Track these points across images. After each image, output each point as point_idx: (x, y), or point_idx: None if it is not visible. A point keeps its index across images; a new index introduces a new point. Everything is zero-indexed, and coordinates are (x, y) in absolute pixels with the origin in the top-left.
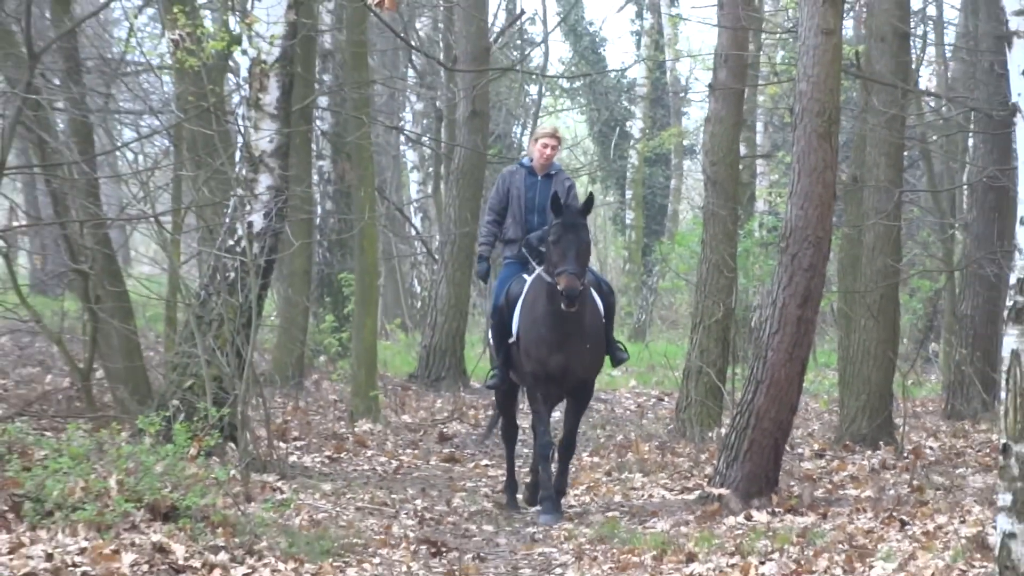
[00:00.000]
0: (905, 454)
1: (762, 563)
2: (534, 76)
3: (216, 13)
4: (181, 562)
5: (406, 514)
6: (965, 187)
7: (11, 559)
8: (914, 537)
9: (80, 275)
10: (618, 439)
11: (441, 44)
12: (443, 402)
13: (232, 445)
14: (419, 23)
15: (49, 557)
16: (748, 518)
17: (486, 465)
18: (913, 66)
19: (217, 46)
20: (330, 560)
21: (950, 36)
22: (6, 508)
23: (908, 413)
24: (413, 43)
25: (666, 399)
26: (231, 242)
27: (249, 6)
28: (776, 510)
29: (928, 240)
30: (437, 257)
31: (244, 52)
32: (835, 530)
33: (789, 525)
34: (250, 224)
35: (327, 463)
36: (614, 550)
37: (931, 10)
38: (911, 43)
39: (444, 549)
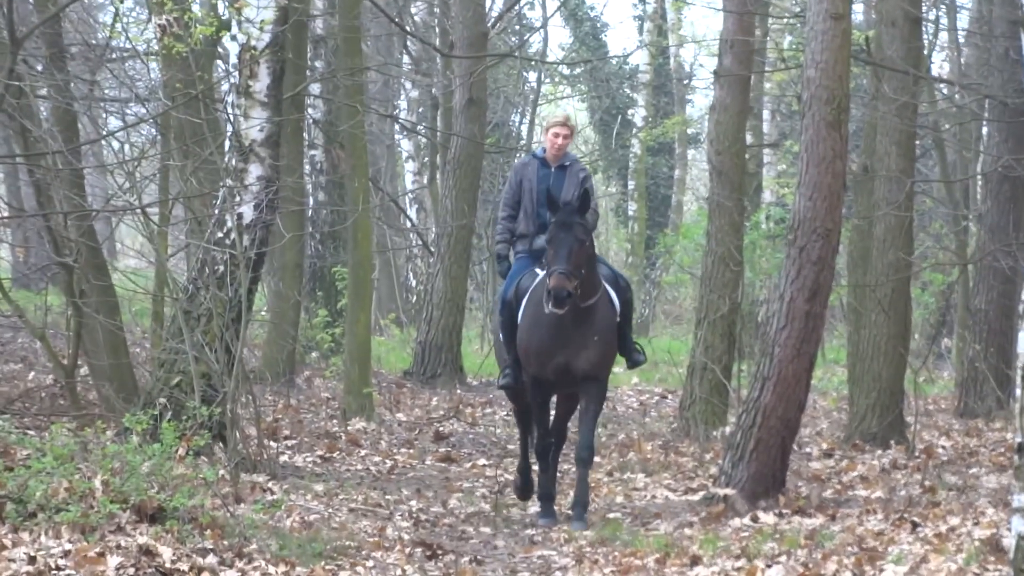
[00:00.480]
0: (917, 453)
1: (769, 566)
2: (533, 63)
3: None
4: (168, 565)
5: (401, 516)
6: (979, 177)
7: None
8: (926, 539)
9: (64, 268)
10: (620, 438)
11: (437, 29)
12: (439, 400)
13: (221, 444)
14: (414, 8)
15: (32, 560)
16: (754, 519)
17: (483, 465)
18: (925, 52)
19: (206, 31)
20: (322, 563)
21: (963, 21)
22: None
23: (920, 411)
24: (408, 28)
25: (670, 397)
26: (220, 234)
27: None
28: (783, 511)
29: (941, 232)
30: (433, 250)
31: (233, 38)
32: (844, 532)
33: (797, 527)
34: (240, 216)
35: (319, 463)
36: (616, 553)
37: None
38: (923, 28)
39: (440, 552)
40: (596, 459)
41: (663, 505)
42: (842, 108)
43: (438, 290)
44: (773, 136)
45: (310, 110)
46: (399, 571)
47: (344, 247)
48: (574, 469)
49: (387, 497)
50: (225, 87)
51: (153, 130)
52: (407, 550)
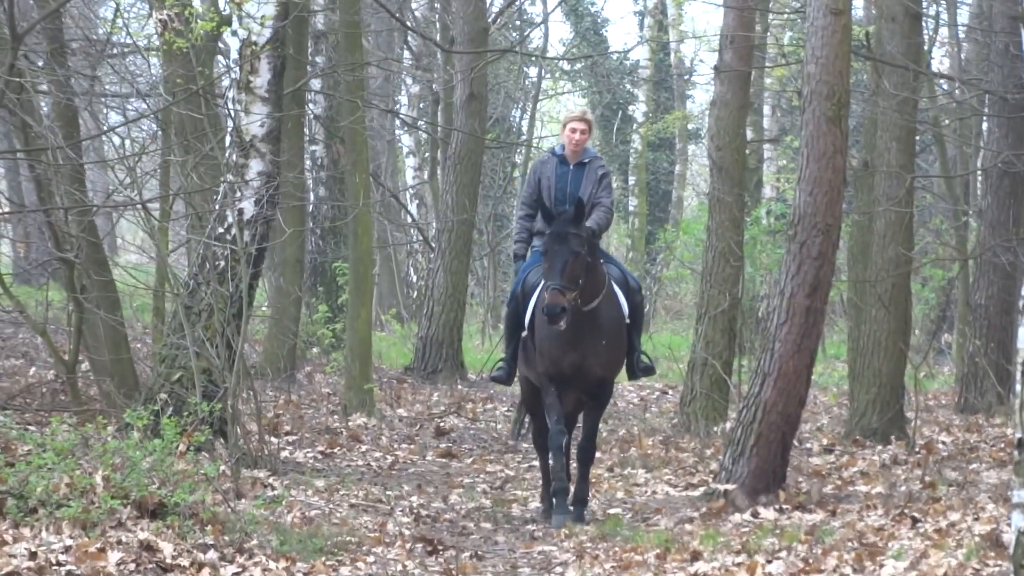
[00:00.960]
0: (917, 449)
1: (769, 561)
2: (534, 58)
3: None
4: (169, 561)
5: (401, 511)
6: (979, 172)
7: None
8: (926, 535)
9: (65, 264)
10: (620, 433)
11: (438, 25)
12: (440, 395)
13: (222, 440)
14: (415, 3)
15: (33, 555)
16: (755, 515)
17: (485, 460)
18: (925, 47)
19: (206, 27)
20: (323, 559)
21: (963, 16)
22: None
23: (920, 407)
24: (409, 24)
25: (670, 392)
26: (221, 230)
27: None
28: (783, 507)
29: (941, 227)
30: (434, 245)
31: (234, 33)
32: (844, 527)
33: (797, 522)
34: (240, 211)
35: (320, 458)
36: (616, 548)
37: None
38: (923, 23)
39: (441, 547)
40: (596, 454)
41: (663, 501)
42: (842, 104)
43: (439, 285)
44: (773, 132)
45: (311, 106)
46: (400, 567)
47: (345, 243)
48: (574, 464)
49: (388, 493)
50: (226, 83)
51: (154, 126)
52: (408, 546)
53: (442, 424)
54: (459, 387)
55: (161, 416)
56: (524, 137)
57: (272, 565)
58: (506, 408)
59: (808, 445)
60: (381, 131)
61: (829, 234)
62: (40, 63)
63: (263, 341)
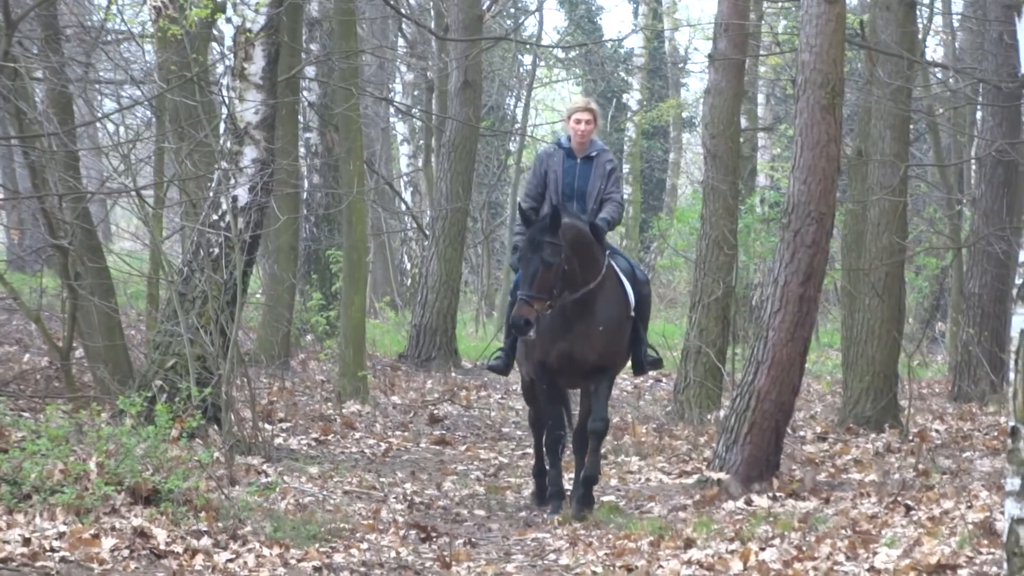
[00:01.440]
0: (910, 437)
1: (762, 549)
2: (528, 46)
3: None
4: (163, 547)
5: (395, 498)
6: (973, 161)
7: None
8: (919, 523)
9: (59, 251)
10: (615, 421)
11: (432, 12)
12: (434, 383)
13: (216, 427)
14: None
15: (26, 542)
16: (748, 503)
17: (478, 447)
18: (919, 36)
19: (200, 14)
20: (316, 545)
21: (958, 5)
22: None
23: (914, 395)
24: (403, 11)
25: (664, 380)
26: (215, 217)
27: None
28: (777, 495)
29: (935, 216)
30: (428, 233)
31: (228, 20)
32: (838, 515)
33: (790, 510)
34: (235, 198)
35: (314, 445)
36: (610, 535)
37: None
38: (917, 12)
39: (434, 534)
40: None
41: (657, 488)
42: (836, 92)
43: (433, 273)
44: (768, 120)
45: (305, 93)
46: (393, 553)
47: (339, 230)
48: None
49: (381, 480)
50: (220, 69)
51: (148, 112)
52: (401, 532)
53: (436, 411)
54: (453, 375)
55: (155, 403)
56: (518, 125)
57: (266, 552)
58: (500, 395)
59: (802, 433)
60: (375, 119)
61: (823, 222)
62: (35, 50)
63: (257, 328)
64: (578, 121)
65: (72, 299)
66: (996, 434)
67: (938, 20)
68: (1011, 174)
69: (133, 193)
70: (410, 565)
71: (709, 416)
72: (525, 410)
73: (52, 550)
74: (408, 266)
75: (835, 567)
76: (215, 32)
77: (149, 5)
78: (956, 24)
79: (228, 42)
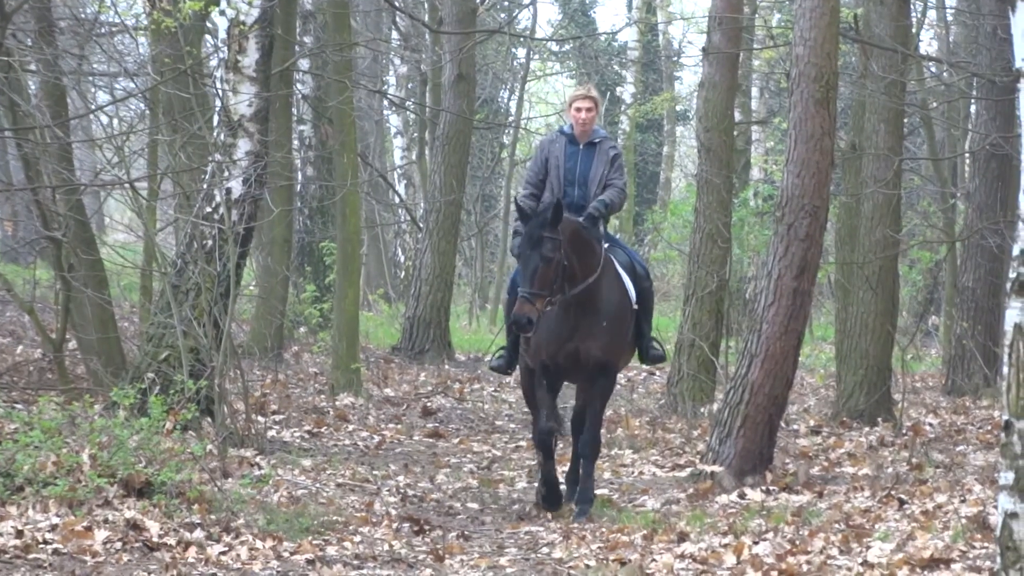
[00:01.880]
0: (904, 431)
1: (756, 543)
2: (522, 39)
3: None
4: (155, 539)
5: (388, 491)
6: (967, 155)
7: None
8: (913, 516)
9: (53, 243)
10: (608, 414)
11: (426, 5)
12: (427, 375)
13: (209, 419)
14: None
15: (19, 534)
16: (741, 496)
17: (471, 440)
18: (913, 30)
19: (194, 6)
20: (309, 538)
21: None
22: None
23: (907, 388)
24: (397, 4)
25: (657, 373)
26: (209, 209)
27: None
28: (770, 488)
29: (929, 210)
30: (421, 225)
31: (222, 13)
32: (831, 509)
33: (784, 504)
34: (228, 190)
35: (307, 438)
36: (603, 529)
37: None
38: (911, 6)
39: (427, 527)
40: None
41: (650, 481)
42: (830, 86)
43: (426, 265)
44: (761, 113)
45: (299, 85)
46: (386, 546)
47: (332, 222)
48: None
49: (375, 472)
50: (214, 62)
51: (142, 105)
52: (394, 525)
53: (429, 404)
54: (446, 367)
55: (148, 395)
56: (512, 118)
57: (259, 544)
58: (493, 388)
59: (795, 426)
60: (369, 111)
61: (817, 216)
62: (28, 42)
63: (250, 320)
64: (579, 109)
65: (65, 291)
66: (990, 428)
67: (932, 14)
68: (1005, 168)
69: (127, 185)
70: (403, 558)
71: (702, 409)
72: (518, 403)
73: (45, 542)
74: (402, 259)
75: (828, 561)
76: (209, 25)
77: None
78: (950, 18)
79: (222, 35)
